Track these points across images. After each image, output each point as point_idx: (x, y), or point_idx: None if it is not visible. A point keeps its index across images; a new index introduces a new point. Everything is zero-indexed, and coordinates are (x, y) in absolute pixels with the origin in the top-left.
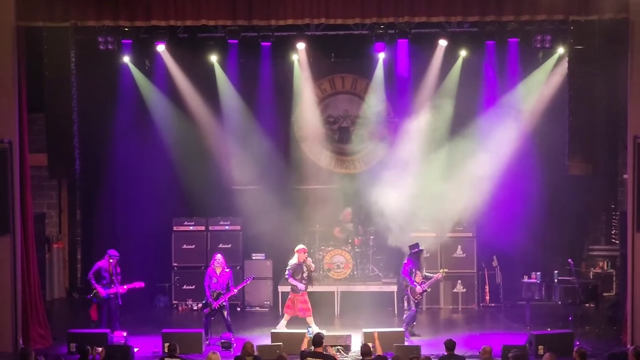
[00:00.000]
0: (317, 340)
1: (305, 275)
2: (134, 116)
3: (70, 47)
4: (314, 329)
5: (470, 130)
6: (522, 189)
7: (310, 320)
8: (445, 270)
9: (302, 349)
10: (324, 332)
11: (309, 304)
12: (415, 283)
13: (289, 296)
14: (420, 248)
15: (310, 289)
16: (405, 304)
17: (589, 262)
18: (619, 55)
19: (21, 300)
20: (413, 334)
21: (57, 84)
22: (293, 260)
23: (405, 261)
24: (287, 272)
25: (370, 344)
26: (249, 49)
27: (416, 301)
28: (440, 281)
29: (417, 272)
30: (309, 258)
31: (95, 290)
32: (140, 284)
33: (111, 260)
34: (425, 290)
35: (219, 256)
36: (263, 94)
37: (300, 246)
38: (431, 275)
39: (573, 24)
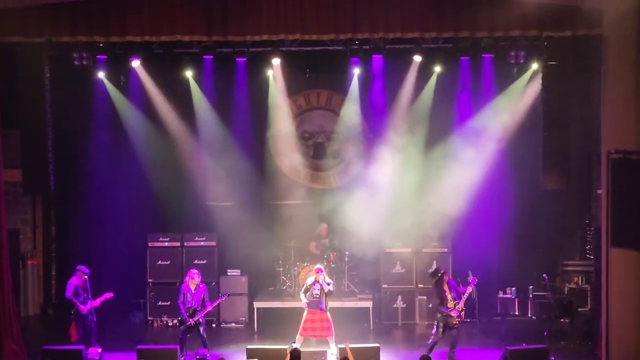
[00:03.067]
0: (296, 356)
1: (315, 293)
2: (109, 132)
3: (45, 63)
4: (333, 350)
5: (445, 146)
6: (497, 204)
7: (331, 339)
8: (470, 277)
9: None
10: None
11: (318, 324)
12: (449, 309)
13: (306, 317)
14: (440, 273)
15: (283, 304)
16: (436, 328)
17: (563, 277)
18: (592, 71)
19: None
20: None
21: (31, 99)
22: (310, 280)
23: (434, 290)
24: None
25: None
26: (225, 65)
27: (456, 326)
28: (476, 295)
29: (449, 296)
30: (321, 277)
31: (76, 308)
32: (109, 295)
33: (85, 277)
34: (462, 311)
35: (194, 272)
36: (238, 109)
37: (316, 266)
38: (462, 291)
39: (547, 40)
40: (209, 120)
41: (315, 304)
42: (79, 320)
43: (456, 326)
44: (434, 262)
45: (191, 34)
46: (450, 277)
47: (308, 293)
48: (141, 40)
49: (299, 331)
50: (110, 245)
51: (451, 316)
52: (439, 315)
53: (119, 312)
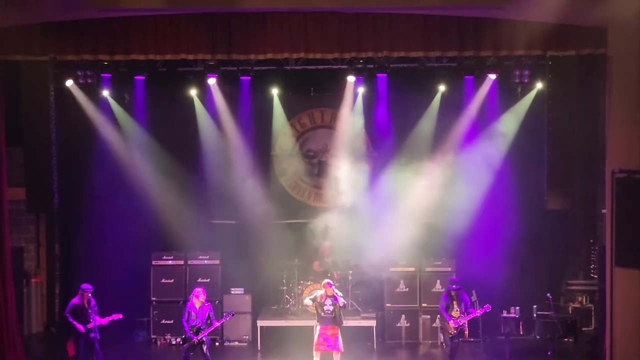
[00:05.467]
0: None
1: (327, 309)
2: (113, 150)
3: (49, 81)
4: None
5: (449, 164)
6: (501, 224)
7: (337, 356)
8: (474, 298)
9: None
10: None
11: (331, 341)
12: (451, 318)
13: (320, 332)
14: (457, 286)
15: (286, 323)
16: (441, 336)
17: (567, 296)
18: (597, 90)
19: None
20: None
21: (35, 117)
22: (320, 292)
23: (443, 295)
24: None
25: None
26: (229, 83)
27: (450, 335)
28: (481, 316)
29: (455, 306)
30: (337, 292)
31: (73, 326)
32: (118, 316)
33: (88, 295)
34: (461, 325)
35: (199, 290)
36: (242, 127)
37: (326, 280)
38: (473, 309)
39: (551, 59)
40: (212, 138)
41: (330, 320)
42: (76, 338)
43: (451, 334)
44: (438, 281)
45: (195, 53)
46: (468, 296)
47: (319, 309)
48: (145, 58)
49: (314, 347)
50: (114, 264)
51: (448, 323)
52: (440, 317)
53: (123, 330)
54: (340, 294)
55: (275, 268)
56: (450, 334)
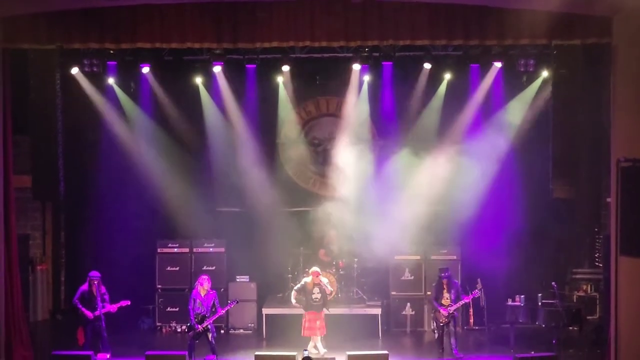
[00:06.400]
0: None
1: (315, 298)
2: (118, 138)
3: (56, 70)
4: (311, 350)
5: (454, 153)
6: (506, 212)
7: (315, 339)
8: (479, 285)
9: None
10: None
11: (317, 324)
12: (441, 306)
13: (310, 318)
14: (446, 273)
15: (291, 311)
16: (433, 324)
17: (572, 285)
18: (602, 79)
19: (4, 321)
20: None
21: (42, 106)
22: (307, 279)
23: (433, 285)
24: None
25: None
26: (234, 72)
27: (442, 324)
28: (470, 303)
29: (446, 294)
30: (323, 280)
31: (80, 313)
32: (126, 302)
33: (95, 282)
34: (452, 314)
35: (204, 278)
36: (248, 116)
37: (313, 269)
38: (464, 296)
39: (556, 48)
40: (218, 126)
41: (317, 307)
42: (85, 325)
43: (442, 323)
44: None
45: (201, 41)
46: (458, 282)
47: (307, 297)
48: (151, 47)
49: (308, 332)
50: (119, 251)
51: (439, 312)
52: (434, 311)
53: (128, 317)
54: (326, 281)
55: (281, 256)
56: (442, 322)
